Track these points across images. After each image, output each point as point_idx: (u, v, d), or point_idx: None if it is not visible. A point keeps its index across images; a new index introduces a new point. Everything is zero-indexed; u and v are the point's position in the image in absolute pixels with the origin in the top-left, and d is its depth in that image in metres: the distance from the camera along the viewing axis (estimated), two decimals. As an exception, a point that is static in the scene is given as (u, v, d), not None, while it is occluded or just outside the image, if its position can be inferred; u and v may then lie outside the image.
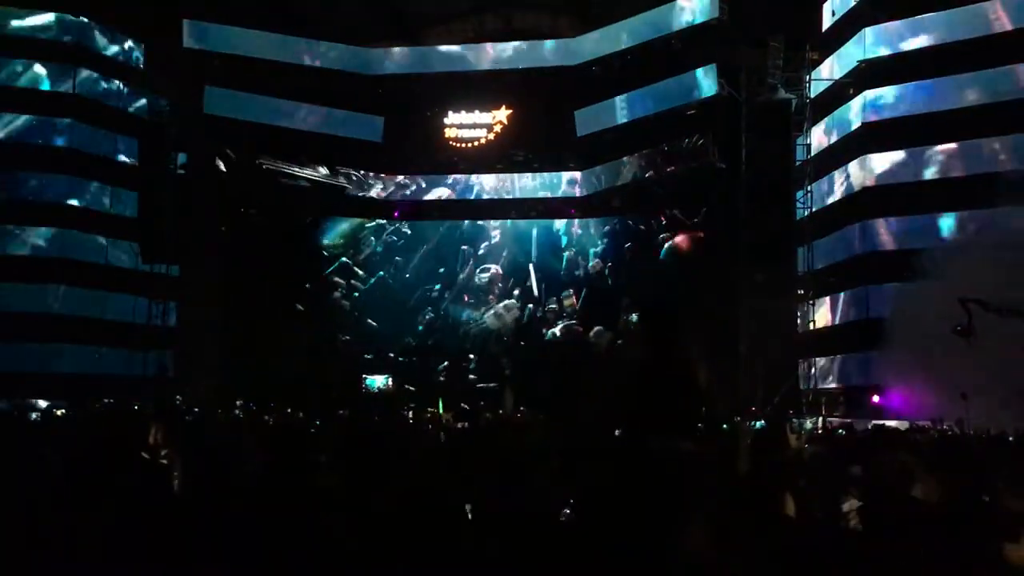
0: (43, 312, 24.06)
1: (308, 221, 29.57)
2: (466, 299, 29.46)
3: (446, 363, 28.90)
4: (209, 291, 26.06)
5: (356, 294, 29.74)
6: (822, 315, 23.83)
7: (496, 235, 30.30)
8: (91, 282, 24.89)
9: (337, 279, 29.66)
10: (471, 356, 28.84)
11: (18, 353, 23.30)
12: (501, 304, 29.30)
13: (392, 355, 28.86)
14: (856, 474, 4.74)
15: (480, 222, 30.37)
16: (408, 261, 30.02)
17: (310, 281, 28.99)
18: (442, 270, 30.06)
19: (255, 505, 3.78)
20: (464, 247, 30.18)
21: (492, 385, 26.81)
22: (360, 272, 29.88)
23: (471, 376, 28.38)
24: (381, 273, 30.04)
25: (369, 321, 29.39)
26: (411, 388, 27.12)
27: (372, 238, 30.26)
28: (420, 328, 29.61)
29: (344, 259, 29.74)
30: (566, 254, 29.70)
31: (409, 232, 30.48)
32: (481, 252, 30.17)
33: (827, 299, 23.91)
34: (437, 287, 29.90)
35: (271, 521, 3.60)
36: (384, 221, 30.37)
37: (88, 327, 24.26)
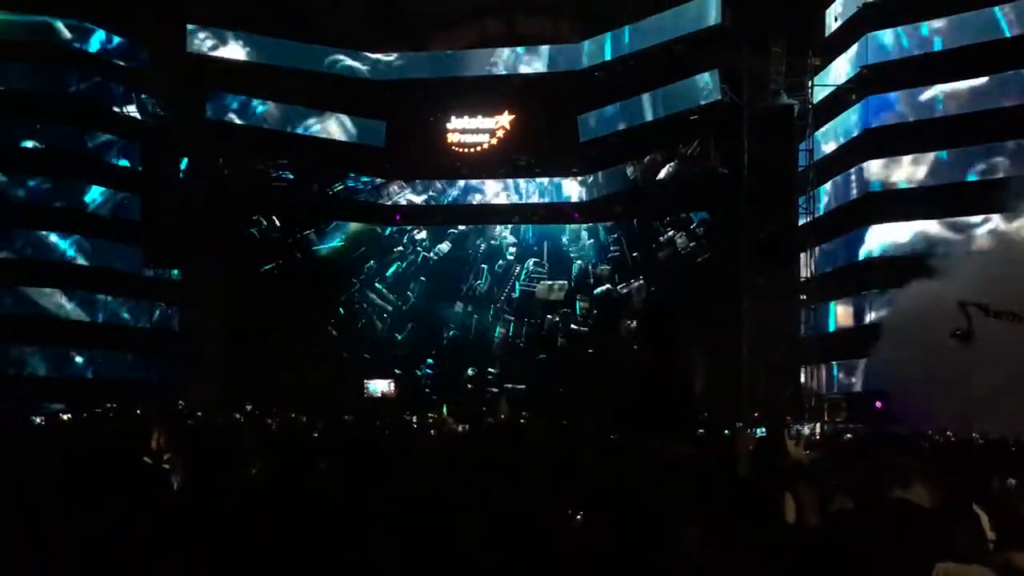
0: (45, 316, 24.01)
1: (308, 226, 29.73)
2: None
3: (472, 371, 29.05)
4: (211, 295, 26.08)
5: (385, 315, 30.33)
6: (842, 318, 23.70)
7: (513, 251, 30.50)
8: (93, 286, 24.86)
9: (371, 295, 30.37)
10: (491, 370, 29.08)
11: (19, 356, 23.33)
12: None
13: (418, 372, 29.29)
14: (854, 478, 4.74)
15: (494, 241, 30.62)
16: (431, 281, 30.40)
17: (321, 291, 29.36)
18: (463, 287, 30.33)
19: (257, 509, 3.79)
20: (484, 266, 30.45)
21: (521, 387, 27.47)
22: (390, 295, 30.44)
23: (494, 383, 28.74)
24: (409, 293, 30.44)
25: (396, 335, 30.08)
26: (435, 397, 27.30)
27: (399, 262, 30.75)
28: (444, 343, 29.96)
29: (378, 284, 30.42)
30: (577, 263, 29.90)
31: (432, 256, 30.79)
32: (497, 270, 30.41)
33: (850, 302, 23.75)
34: (459, 304, 30.16)
35: (273, 525, 3.61)
36: (410, 248, 30.79)
37: (90, 331, 24.24)
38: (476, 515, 3.37)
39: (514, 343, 29.72)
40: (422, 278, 30.51)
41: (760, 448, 4.97)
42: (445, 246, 30.81)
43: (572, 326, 29.32)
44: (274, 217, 28.92)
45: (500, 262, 30.48)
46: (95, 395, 20.95)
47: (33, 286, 24.12)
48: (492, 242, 30.70)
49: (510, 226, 30.81)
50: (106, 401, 20.21)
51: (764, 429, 13.09)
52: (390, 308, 30.36)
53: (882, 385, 20.10)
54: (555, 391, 26.30)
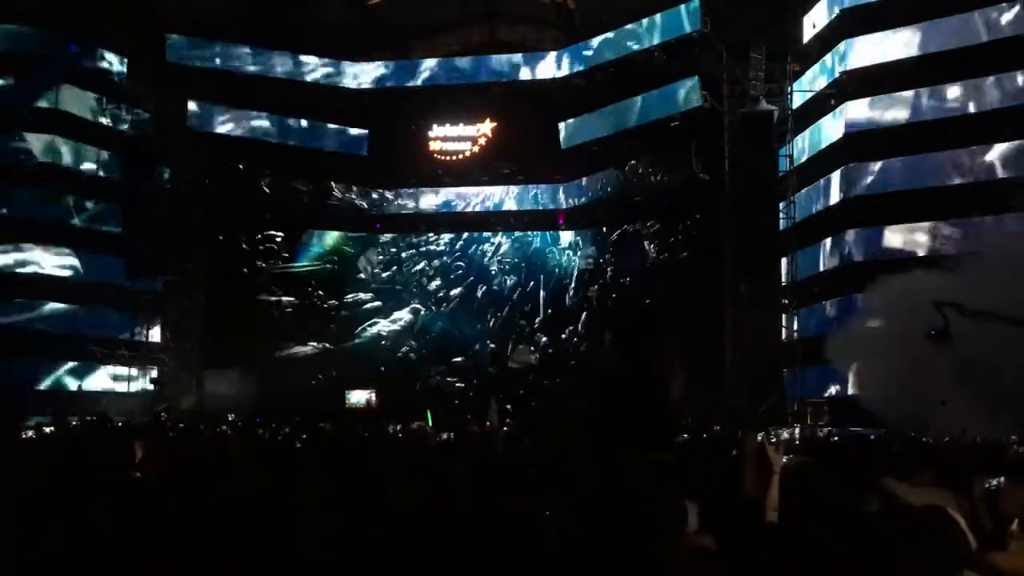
0: (26, 328, 23.77)
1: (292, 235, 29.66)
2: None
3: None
4: (194, 306, 25.97)
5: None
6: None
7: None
8: (75, 298, 24.63)
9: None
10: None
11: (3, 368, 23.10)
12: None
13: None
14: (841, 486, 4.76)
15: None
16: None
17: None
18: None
19: (246, 519, 3.79)
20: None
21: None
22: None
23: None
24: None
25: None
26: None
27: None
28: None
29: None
30: (577, 278, 29.98)
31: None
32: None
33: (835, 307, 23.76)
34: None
35: (263, 535, 3.62)
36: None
37: (72, 343, 24.04)
38: (463, 523, 3.39)
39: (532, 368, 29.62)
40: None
41: (759, 456, 4.99)
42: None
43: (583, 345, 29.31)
44: (257, 227, 28.84)
45: (507, 305, 30.45)
46: (77, 407, 20.80)
47: (15, 297, 23.92)
48: (495, 288, 30.62)
49: (506, 253, 30.83)
50: (87, 413, 20.08)
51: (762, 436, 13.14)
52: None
53: (862, 388, 20.21)
54: (562, 405, 26.20)
